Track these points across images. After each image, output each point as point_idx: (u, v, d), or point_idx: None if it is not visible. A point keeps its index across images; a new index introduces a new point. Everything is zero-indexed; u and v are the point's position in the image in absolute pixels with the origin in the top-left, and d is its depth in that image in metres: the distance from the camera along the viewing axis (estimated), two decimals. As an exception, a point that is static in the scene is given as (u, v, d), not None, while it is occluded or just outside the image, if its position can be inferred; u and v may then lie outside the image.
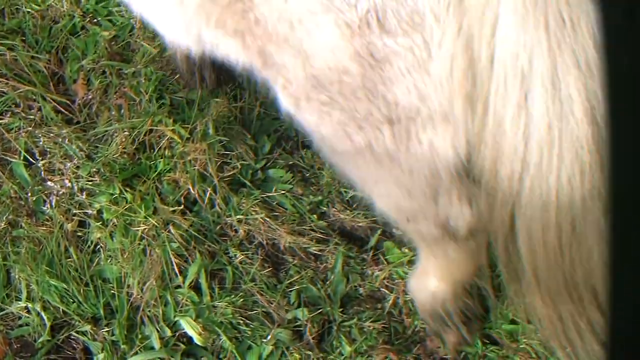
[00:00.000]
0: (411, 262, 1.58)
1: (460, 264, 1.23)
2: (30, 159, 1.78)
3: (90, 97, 1.88)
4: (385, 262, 1.59)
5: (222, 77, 1.82)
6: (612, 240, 0.61)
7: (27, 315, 1.62)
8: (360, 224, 1.65)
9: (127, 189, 1.69)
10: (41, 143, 1.79)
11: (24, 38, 1.98)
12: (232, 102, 1.85)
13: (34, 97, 1.85)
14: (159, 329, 1.56)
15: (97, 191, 1.71)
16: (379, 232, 1.64)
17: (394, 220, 1.21)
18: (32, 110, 1.84)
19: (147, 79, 1.86)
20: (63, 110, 1.85)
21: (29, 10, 2.02)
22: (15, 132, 1.81)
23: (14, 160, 1.78)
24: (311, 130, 1.05)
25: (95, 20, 2.01)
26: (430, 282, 1.34)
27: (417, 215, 1.08)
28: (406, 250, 1.59)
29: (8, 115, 1.83)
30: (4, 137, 1.80)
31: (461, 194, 0.98)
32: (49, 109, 1.83)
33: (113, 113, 1.83)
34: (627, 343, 0.59)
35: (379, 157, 0.95)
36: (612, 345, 0.63)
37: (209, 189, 1.69)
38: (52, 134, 1.79)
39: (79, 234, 1.69)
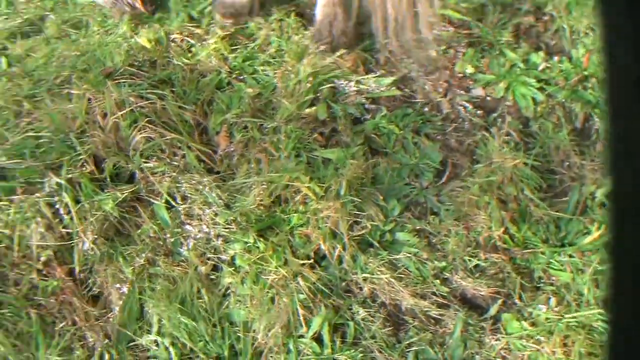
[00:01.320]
0: (530, 336, 2.20)
1: None
2: (172, 203, 2.62)
3: (231, 149, 2.74)
4: (504, 333, 2.23)
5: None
6: (612, 246, 0.79)
7: (155, 348, 2.42)
8: (481, 293, 2.33)
9: (261, 239, 2.48)
10: (183, 189, 2.64)
11: (173, 89, 2.93)
12: (366, 162, 2.59)
13: (179, 145, 2.75)
14: (280, 375, 2.27)
15: (232, 239, 2.52)
16: (499, 302, 2.30)
17: None
18: (177, 157, 2.73)
19: (287, 136, 2.69)
20: (205, 159, 2.72)
21: (179, 63, 2.98)
22: (160, 176, 2.68)
23: (156, 202, 2.64)
24: None
25: (241, 77, 2.93)
26: None
27: None
28: (526, 325, 2.21)
29: (154, 159, 2.72)
30: (149, 180, 2.68)
31: None
32: (193, 157, 2.70)
33: (252, 166, 2.67)
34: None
35: None
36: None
37: (339, 246, 2.44)
38: (193, 181, 2.64)
39: (212, 277, 2.49)
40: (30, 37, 3.92)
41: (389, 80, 2.92)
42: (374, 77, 2.95)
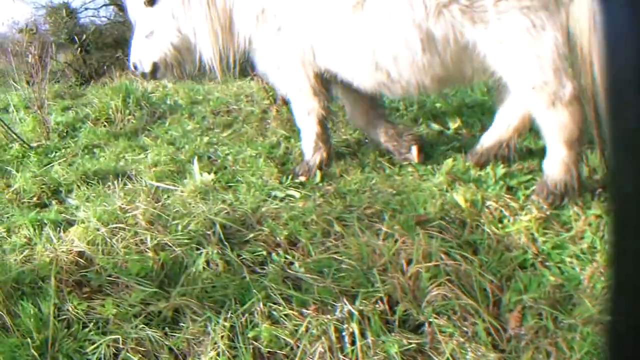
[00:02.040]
0: None
1: (572, 128, 3.72)
2: (457, 366, 2.98)
3: (521, 331, 3.07)
4: None
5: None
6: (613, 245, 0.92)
7: None
8: None
9: None
10: (467, 357, 2.99)
11: (476, 254, 3.31)
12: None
13: (472, 312, 3.11)
14: None
15: None
16: None
17: (524, 89, 3.79)
18: (467, 323, 3.11)
19: (582, 338, 2.97)
20: (493, 333, 3.06)
21: (489, 230, 3.39)
22: (447, 336, 3.08)
23: (436, 359, 3.00)
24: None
25: (546, 263, 3.27)
26: (560, 153, 3.76)
27: (543, 84, 3.67)
28: None
29: (444, 318, 3.11)
30: (436, 337, 3.07)
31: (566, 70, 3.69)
32: (482, 327, 3.07)
33: (540, 357, 2.95)
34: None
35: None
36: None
37: None
38: (479, 353, 3.00)
39: None
40: (344, 158, 4.64)
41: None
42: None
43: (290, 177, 4.51)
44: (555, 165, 3.82)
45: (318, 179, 4.47)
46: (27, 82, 12.08)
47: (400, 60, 4.06)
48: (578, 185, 3.76)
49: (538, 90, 3.72)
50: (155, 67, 5.24)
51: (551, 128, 3.79)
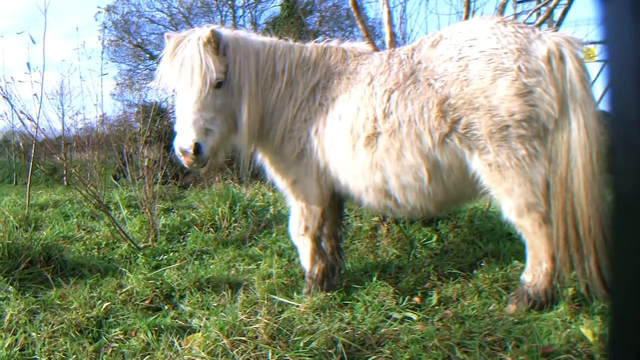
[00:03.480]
0: None
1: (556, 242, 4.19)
2: None
3: None
4: None
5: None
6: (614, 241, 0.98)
7: None
8: None
9: None
10: None
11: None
12: None
13: None
14: None
15: None
16: None
17: (518, 215, 4.23)
18: None
19: None
20: None
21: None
22: None
23: None
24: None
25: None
26: (544, 265, 4.27)
27: (534, 207, 4.17)
28: None
29: None
30: None
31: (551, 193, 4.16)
32: None
33: None
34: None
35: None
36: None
37: None
38: None
39: None
40: (460, 282, 4.65)
41: None
42: None
43: (407, 298, 4.54)
44: (540, 276, 4.29)
45: (435, 301, 4.50)
46: (115, 178, 12.55)
47: (408, 190, 4.46)
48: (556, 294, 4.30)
49: (531, 211, 4.18)
50: (211, 152, 4.74)
51: (539, 244, 4.25)
